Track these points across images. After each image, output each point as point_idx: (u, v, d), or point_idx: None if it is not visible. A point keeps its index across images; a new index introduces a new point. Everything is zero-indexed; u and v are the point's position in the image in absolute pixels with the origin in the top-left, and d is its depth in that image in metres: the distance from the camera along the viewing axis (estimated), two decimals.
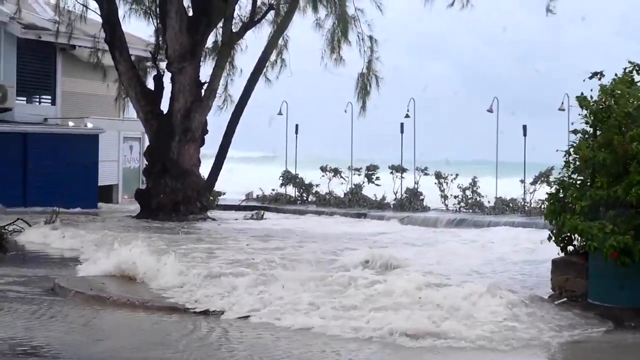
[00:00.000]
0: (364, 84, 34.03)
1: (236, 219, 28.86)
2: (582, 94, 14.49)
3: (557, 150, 15.02)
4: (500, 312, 12.99)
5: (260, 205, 33.82)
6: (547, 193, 15.43)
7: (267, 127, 38.53)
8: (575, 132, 14.76)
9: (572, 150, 14.47)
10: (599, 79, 14.52)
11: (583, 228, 13.29)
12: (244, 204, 34.80)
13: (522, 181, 31.07)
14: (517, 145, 32.49)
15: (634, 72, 14.60)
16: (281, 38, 34.26)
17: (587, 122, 14.52)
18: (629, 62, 14.66)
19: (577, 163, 14.45)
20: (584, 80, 14.51)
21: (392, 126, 35.23)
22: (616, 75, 14.58)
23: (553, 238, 14.66)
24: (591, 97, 14.38)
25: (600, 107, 14.10)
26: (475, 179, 31.87)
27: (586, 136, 14.56)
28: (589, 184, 14.09)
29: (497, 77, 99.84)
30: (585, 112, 14.44)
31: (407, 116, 34.31)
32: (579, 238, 14.17)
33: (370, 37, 34.06)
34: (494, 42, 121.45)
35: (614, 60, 14.99)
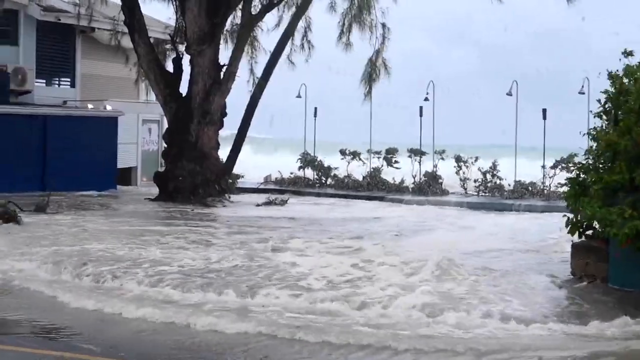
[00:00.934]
0: (375, 70, 33.96)
1: (259, 205, 28.48)
2: (611, 71, 14.47)
3: (581, 133, 14.99)
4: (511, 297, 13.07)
5: (278, 189, 33.82)
6: (566, 178, 15.40)
7: (270, 121, 38.28)
8: (599, 115, 14.66)
9: (594, 133, 14.40)
10: (627, 57, 14.49)
11: (602, 216, 13.24)
12: (262, 187, 34.78)
13: (543, 166, 30.97)
14: (537, 129, 32.43)
15: None
16: (303, 20, 34.25)
17: (605, 109, 14.48)
18: None
19: (598, 147, 14.41)
20: (619, 59, 14.48)
21: (412, 110, 35.13)
22: None
23: (570, 224, 14.57)
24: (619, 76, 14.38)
25: (619, 92, 14.07)
26: (496, 163, 31.80)
27: (607, 121, 14.52)
28: (608, 167, 14.05)
29: (519, 61, 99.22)
30: (609, 93, 14.39)
31: (426, 99, 34.19)
32: (598, 224, 14.11)
33: (383, 25, 33.95)
34: (517, 26, 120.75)
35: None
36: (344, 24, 34.00)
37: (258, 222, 23.40)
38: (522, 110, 33.23)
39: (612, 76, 14.42)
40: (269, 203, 28.82)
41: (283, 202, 28.93)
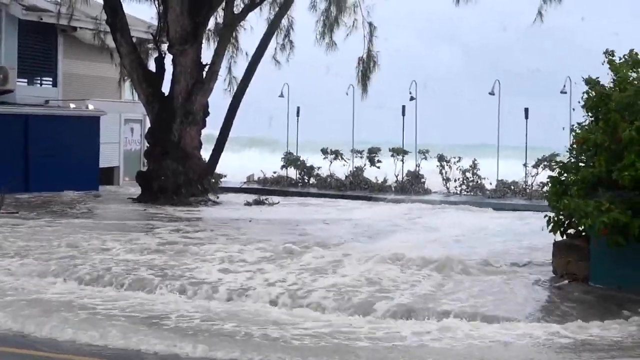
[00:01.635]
0: (365, 68, 34.07)
1: (249, 204, 28.51)
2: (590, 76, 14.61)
3: (563, 128, 15.15)
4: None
5: (261, 188, 33.78)
6: (549, 176, 15.49)
7: (268, 118, 38.12)
8: (588, 111, 14.75)
9: (575, 131, 14.55)
10: (610, 56, 14.62)
11: (576, 205, 13.35)
12: (245, 186, 34.75)
13: (525, 165, 31.08)
14: (520, 128, 32.54)
15: None
16: (286, 19, 34.30)
17: (588, 107, 14.59)
18: None
19: (575, 145, 14.59)
20: (602, 63, 14.61)
21: (395, 109, 35.18)
22: (628, 54, 14.67)
23: (552, 223, 14.64)
24: (597, 78, 14.53)
25: (601, 94, 14.20)
26: (476, 162, 31.86)
27: (589, 120, 14.65)
28: (591, 165, 14.14)
29: (511, 61, 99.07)
30: (587, 95, 14.53)
31: (411, 99, 34.29)
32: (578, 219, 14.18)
33: (370, 23, 34.10)
34: (510, 25, 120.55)
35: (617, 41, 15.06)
36: (325, 24, 34.08)
37: (225, 224, 23.02)
38: (515, 110, 33.22)
39: (588, 81, 14.56)
40: (259, 203, 28.76)
41: (272, 203, 28.80)
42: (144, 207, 27.09)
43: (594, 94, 14.39)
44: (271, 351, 10.37)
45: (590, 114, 14.62)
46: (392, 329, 11.40)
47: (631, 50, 14.74)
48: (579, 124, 14.69)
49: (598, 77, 14.60)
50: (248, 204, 28.54)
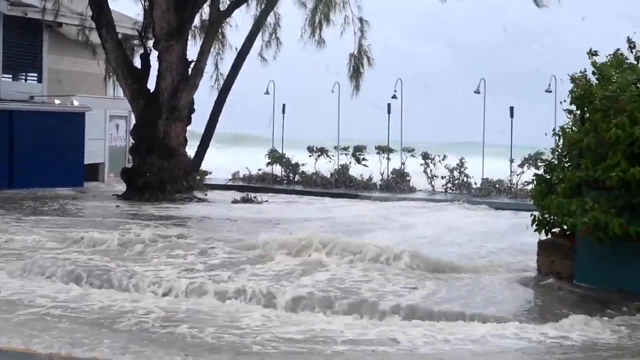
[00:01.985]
0: (356, 64, 34.06)
1: (237, 201, 28.30)
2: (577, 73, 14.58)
3: (545, 134, 15.11)
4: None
5: (246, 185, 33.73)
6: (534, 174, 15.47)
7: (268, 122, 37.95)
8: (570, 112, 14.74)
9: (560, 132, 14.52)
10: (594, 56, 14.59)
11: (559, 204, 13.36)
12: (230, 183, 34.70)
13: (511, 160, 31.10)
14: (505, 127, 32.59)
15: (629, 50, 14.65)
16: (272, 16, 34.28)
17: (573, 106, 14.58)
18: (628, 40, 14.69)
19: (563, 145, 14.54)
20: (583, 70, 14.57)
21: (380, 107, 35.22)
22: (613, 54, 14.64)
23: (537, 222, 14.63)
24: (582, 75, 14.50)
25: (583, 91, 14.18)
26: (463, 160, 31.87)
27: (574, 118, 14.63)
28: (576, 164, 14.13)
29: (489, 57, 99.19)
30: (572, 95, 14.51)
31: (394, 97, 34.31)
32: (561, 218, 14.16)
33: (360, 19, 34.14)
34: (487, 22, 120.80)
35: (613, 41, 15.02)
36: (313, 20, 34.07)
37: (204, 222, 22.95)
38: (506, 108, 33.16)
39: (574, 79, 14.54)
40: (247, 200, 28.63)
41: (260, 202, 28.63)
42: (126, 203, 27.00)
43: (577, 89, 14.34)
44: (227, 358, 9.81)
45: (574, 115, 14.59)
46: (374, 333, 11.01)
47: (616, 50, 14.72)
48: (561, 127, 14.66)
49: (584, 71, 14.56)
50: (235, 201, 28.45)
